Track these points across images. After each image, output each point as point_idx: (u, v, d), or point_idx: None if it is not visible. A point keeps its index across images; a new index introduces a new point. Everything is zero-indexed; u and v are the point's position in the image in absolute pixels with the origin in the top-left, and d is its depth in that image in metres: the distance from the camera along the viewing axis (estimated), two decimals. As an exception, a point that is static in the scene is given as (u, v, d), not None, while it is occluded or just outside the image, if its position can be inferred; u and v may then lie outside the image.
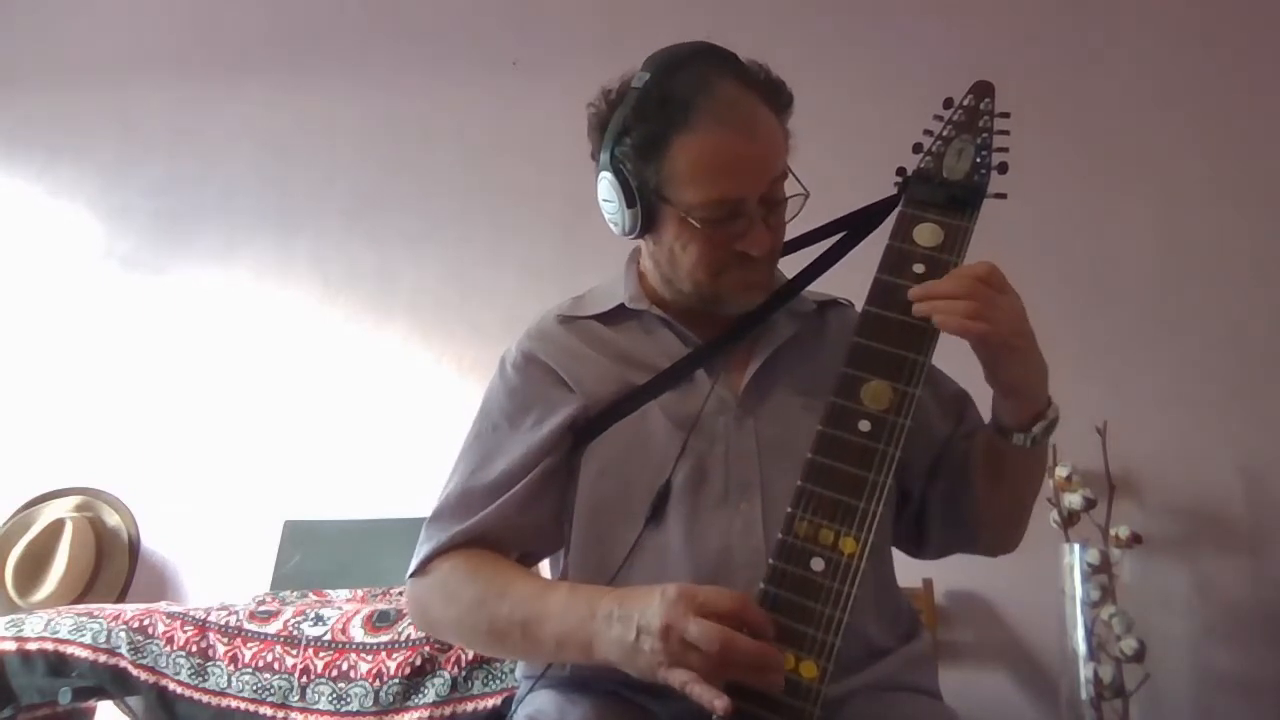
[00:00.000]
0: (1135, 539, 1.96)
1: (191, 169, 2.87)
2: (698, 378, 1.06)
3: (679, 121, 0.99)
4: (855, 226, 1.10)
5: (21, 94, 3.01)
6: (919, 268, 0.94)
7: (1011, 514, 1.10)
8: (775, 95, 1.04)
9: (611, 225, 1.09)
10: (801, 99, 1.07)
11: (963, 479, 1.08)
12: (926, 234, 0.95)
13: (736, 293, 1.06)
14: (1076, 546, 1.98)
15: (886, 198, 1.03)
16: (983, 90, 1.00)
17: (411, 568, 1.04)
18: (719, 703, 0.79)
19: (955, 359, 1.04)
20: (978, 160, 0.97)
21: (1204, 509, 2.09)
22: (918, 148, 1.00)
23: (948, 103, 1.01)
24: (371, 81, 2.80)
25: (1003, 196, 0.96)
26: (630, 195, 1.03)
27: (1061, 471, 2.02)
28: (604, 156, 1.05)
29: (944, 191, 0.96)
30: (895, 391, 0.90)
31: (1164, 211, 2.26)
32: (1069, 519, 2.00)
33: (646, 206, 1.03)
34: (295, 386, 2.65)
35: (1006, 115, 0.99)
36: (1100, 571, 1.95)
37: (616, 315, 1.13)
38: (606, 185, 1.05)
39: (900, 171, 1.00)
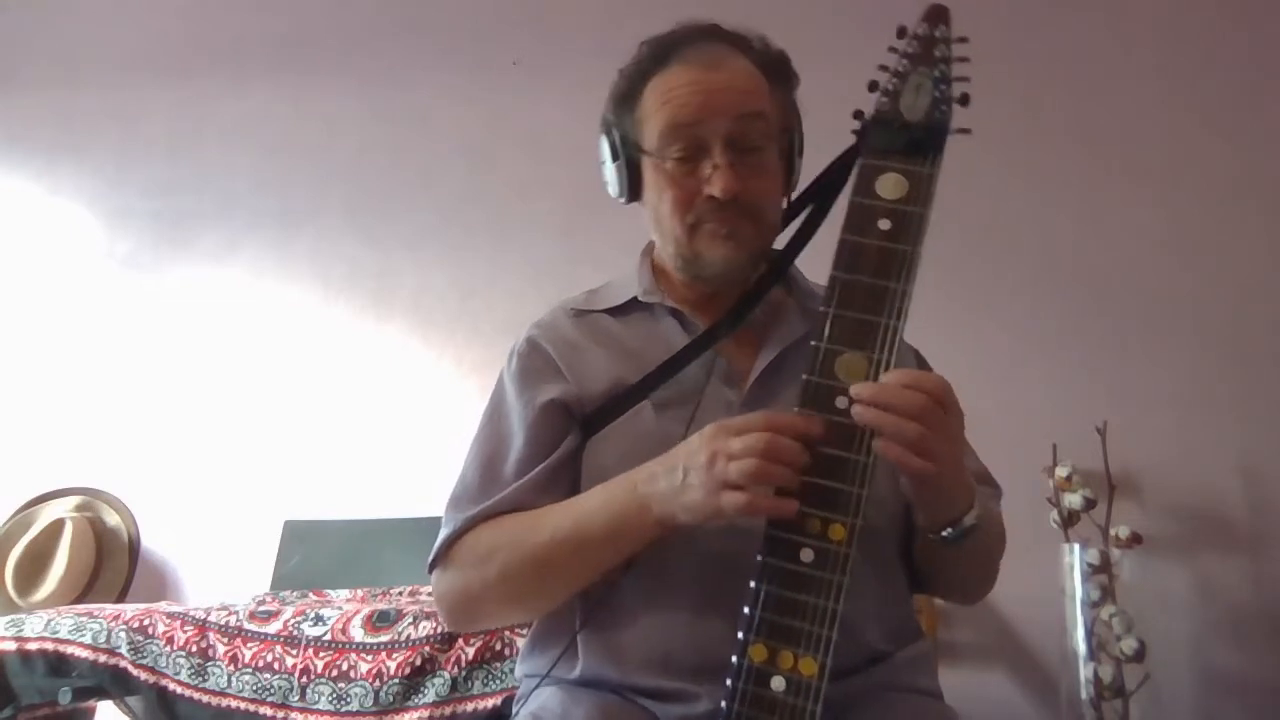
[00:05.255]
0: (1135, 539, 1.96)
1: (191, 169, 2.87)
2: (702, 376, 1.05)
3: (653, 69, 1.03)
4: (821, 191, 1.02)
5: (21, 94, 3.01)
6: (884, 224, 0.87)
7: (969, 584, 1.10)
8: (761, 53, 1.05)
9: (610, 190, 1.12)
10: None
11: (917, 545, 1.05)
12: (890, 185, 0.88)
13: (710, 245, 1.03)
14: (1076, 546, 1.98)
15: (846, 150, 0.95)
16: (937, 15, 0.91)
17: (432, 556, 1.04)
18: (787, 505, 0.82)
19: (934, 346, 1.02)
20: (937, 94, 0.88)
21: (1204, 509, 2.09)
22: (873, 86, 0.91)
23: (900, 32, 0.91)
24: (372, 81, 2.80)
25: (966, 132, 0.88)
26: (615, 149, 1.07)
27: (1061, 471, 2.01)
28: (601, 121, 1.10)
29: (904, 135, 0.88)
30: (870, 362, 0.84)
31: (1165, 211, 2.25)
32: (1069, 519, 2.00)
33: (629, 160, 1.06)
34: (295, 386, 2.65)
35: (965, 40, 0.90)
36: (1100, 571, 1.95)
37: (628, 309, 1.12)
38: (602, 147, 1.10)
39: (858, 115, 0.91)
